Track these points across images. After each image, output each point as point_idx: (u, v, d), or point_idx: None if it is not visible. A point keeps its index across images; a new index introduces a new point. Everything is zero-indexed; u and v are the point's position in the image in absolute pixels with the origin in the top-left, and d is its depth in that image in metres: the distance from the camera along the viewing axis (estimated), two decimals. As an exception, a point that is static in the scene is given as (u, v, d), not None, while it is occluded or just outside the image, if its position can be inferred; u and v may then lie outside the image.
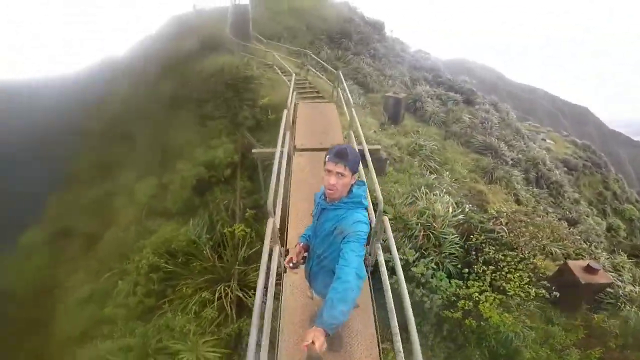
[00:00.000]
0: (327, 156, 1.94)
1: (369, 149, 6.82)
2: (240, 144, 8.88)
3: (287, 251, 3.87)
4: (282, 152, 4.84)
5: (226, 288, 4.65)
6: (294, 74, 8.79)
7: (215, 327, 4.06)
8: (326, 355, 1.50)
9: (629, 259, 6.87)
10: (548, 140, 19.74)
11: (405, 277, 4.25)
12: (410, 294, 4.14)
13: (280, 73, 10.84)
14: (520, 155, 12.33)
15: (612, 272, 5.30)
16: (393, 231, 5.28)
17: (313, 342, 1.47)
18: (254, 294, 4.61)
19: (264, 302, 2.31)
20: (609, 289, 4.57)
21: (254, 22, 17.39)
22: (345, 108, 7.49)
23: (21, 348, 6.94)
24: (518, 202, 8.82)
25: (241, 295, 4.61)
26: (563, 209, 10.31)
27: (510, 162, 11.29)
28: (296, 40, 17.37)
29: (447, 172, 8.62)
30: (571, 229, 7.06)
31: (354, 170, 1.95)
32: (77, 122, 23.18)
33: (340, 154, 1.90)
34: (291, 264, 2.36)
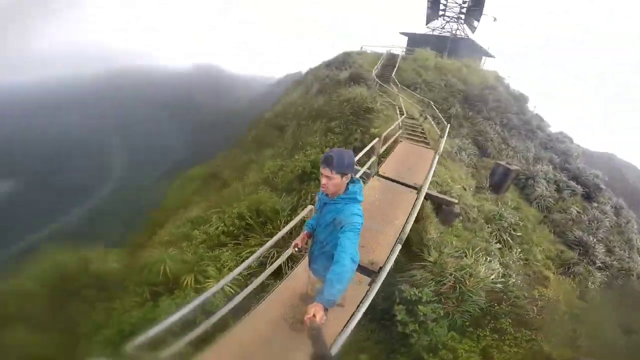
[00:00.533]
0: (320, 161, 2.09)
1: (443, 198, 6.40)
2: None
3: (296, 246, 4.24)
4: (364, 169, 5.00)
5: (276, 253, 5.04)
6: (403, 115, 8.76)
7: (247, 275, 4.46)
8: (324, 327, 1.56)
9: None
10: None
11: (408, 310, 3.94)
12: (404, 324, 3.79)
13: (398, 113, 10.86)
14: (615, 262, 9.36)
15: None
16: (426, 272, 4.89)
17: (314, 315, 1.54)
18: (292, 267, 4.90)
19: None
20: None
21: (399, 70, 17.69)
22: (435, 157, 7.10)
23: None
24: (582, 299, 6.85)
25: (281, 264, 4.91)
26: None
27: (599, 264, 8.72)
28: (431, 93, 16.93)
29: (519, 249, 7.26)
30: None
31: (341, 172, 1.98)
32: (259, 109, 27.76)
33: (326, 160, 2.00)
34: (296, 249, 2.52)
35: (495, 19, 25.65)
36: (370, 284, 3.19)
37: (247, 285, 3.25)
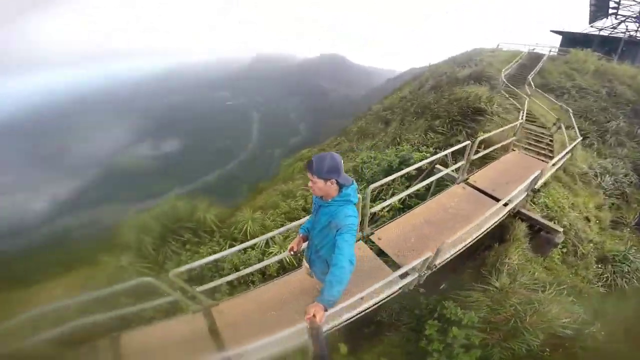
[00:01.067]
0: None
1: (544, 223, 5.37)
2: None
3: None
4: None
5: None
6: (522, 119, 7.40)
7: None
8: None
9: None
10: None
11: (440, 328, 3.60)
12: (430, 341, 3.49)
13: (520, 118, 9.19)
14: None
15: None
16: (485, 297, 4.28)
17: (314, 316, 1.60)
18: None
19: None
20: None
21: (545, 72, 14.60)
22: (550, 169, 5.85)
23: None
24: None
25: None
26: None
27: None
28: (583, 100, 13.42)
29: None
30: None
31: (322, 177, 1.97)
32: (374, 100, 27.97)
33: (308, 165, 2.01)
34: (292, 252, 2.55)
35: None
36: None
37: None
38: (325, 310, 1.64)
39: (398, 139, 11.42)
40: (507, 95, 11.43)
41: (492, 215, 4.41)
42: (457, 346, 3.18)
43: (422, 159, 8.59)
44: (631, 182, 9.78)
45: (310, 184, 2.06)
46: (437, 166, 7.15)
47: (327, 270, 2.02)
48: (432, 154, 8.78)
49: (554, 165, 6.49)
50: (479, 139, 5.92)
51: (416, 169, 8.46)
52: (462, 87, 11.84)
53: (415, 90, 17.82)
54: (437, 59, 27.28)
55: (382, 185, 8.12)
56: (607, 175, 9.27)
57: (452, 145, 9.04)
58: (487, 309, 3.91)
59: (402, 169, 8.51)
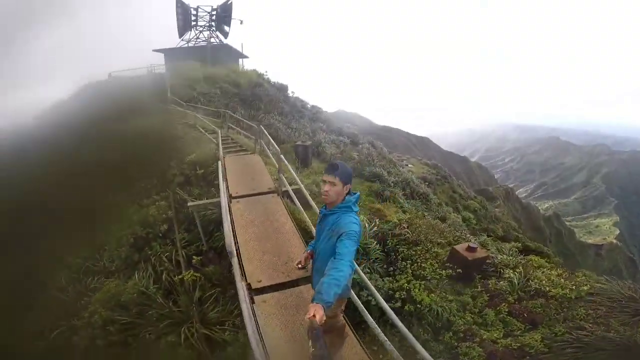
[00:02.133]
0: (325, 169, 2.14)
1: (294, 189, 7.02)
2: (172, 200, 8.11)
3: (249, 285, 3.68)
4: (221, 197, 4.71)
5: (190, 329, 4.09)
6: (219, 130, 8.64)
7: None
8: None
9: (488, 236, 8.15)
10: (409, 165, 22.84)
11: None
12: (358, 296, 4.28)
13: (203, 131, 10.48)
14: (397, 178, 13.99)
15: (483, 247, 6.20)
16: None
17: (314, 315, 1.52)
18: (220, 329, 4.18)
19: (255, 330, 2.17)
20: (488, 261, 5.33)
21: (171, 88, 16.59)
22: (271, 157, 7.61)
23: None
24: (404, 212, 9.93)
25: (208, 332, 4.11)
26: (433, 211, 11.93)
27: (392, 184, 12.70)
28: (212, 103, 17.07)
29: (353, 198, 9.30)
30: (443, 225, 8.26)
31: (344, 181, 2.09)
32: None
33: (332, 167, 2.09)
34: (299, 266, 2.49)
35: (241, 22, 28.28)
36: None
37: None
38: (324, 310, 1.65)
39: (97, 212, 9.06)
40: (170, 117, 12.10)
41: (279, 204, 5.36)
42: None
43: (160, 210, 7.80)
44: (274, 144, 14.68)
45: (326, 187, 2.10)
46: (191, 203, 6.88)
47: None
48: (165, 199, 8.13)
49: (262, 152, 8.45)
50: (221, 156, 6.41)
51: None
52: (126, 124, 10.98)
53: (56, 153, 13.83)
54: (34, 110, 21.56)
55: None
56: (270, 146, 13.26)
57: (171, 181, 8.83)
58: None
59: (151, 231, 7.35)
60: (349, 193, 2.19)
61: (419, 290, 4.05)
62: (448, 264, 4.71)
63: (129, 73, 21.72)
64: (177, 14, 26.65)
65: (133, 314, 4.52)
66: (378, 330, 2.35)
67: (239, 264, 4.11)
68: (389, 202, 10.70)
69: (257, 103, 19.07)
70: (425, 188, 14.75)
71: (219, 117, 13.29)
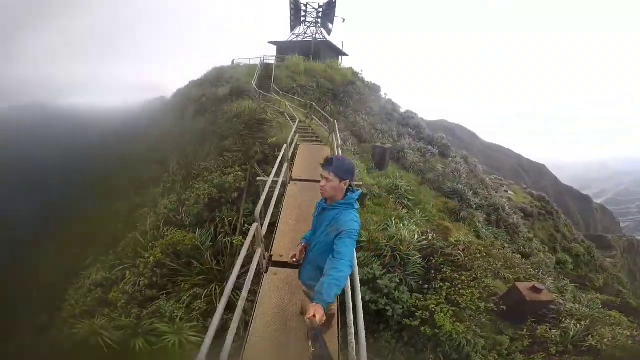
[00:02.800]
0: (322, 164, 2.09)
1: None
2: (249, 173, 9.03)
3: (270, 256, 3.87)
4: (280, 177, 5.03)
5: (218, 288, 4.56)
6: (297, 120, 9.15)
7: (202, 318, 3.92)
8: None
9: (574, 285, 6.68)
10: (510, 192, 19.78)
11: (372, 288, 4.23)
12: (375, 302, 4.06)
13: (289, 119, 11.26)
14: (483, 201, 12.34)
15: (556, 293, 5.16)
16: (366, 251, 5.32)
17: (314, 316, 1.51)
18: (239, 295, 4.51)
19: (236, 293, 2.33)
20: (552, 306, 4.43)
21: (275, 78, 18.33)
22: (336, 150, 7.73)
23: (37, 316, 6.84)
24: (478, 237, 8.76)
25: (231, 295, 4.51)
26: (518, 245, 10.21)
27: (474, 206, 11.28)
28: (307, 95, 18.12)
29: (419, 210, 8.64)
30: (524, 260, 7.01)
31: (340, 177, 2.01)
32: (121, 147, 23.80)
33: (327, 162, 2.04)
34: (294, 260, 2.42)
35: (344, 20, 29.39)
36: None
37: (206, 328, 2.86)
38: (324, 310, 1.61)
39: (194, 171, 10.75)
40: (266, 103, 13.42)
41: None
42: (393, 291, 3.85)
43: (237, 180, 8.79)
44: (356, 142, 14.69)
45: (322, 182, 2.05)
46: (260, 178, 7.52)
47: (316, 275, 1.96)
48: (243, 172, 9.14)
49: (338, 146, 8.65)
50: (289, 141, 6.81)
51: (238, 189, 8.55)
52: (230, 105, 12.62)
53: (179, 120, 17.02)
54: (179, 85, 26.98)
55: (213, 221, 7.68)
56: (348, 142, 13.40)
57: (252, 157, 9.84)
58: (375, 259, 4.90)
59: (224, 196, 8.37)
60: (350, 189, 2.11)
61: (444, 315, 3.56)
62: (494, 298, 3.99)
63: (246, 61, 25.11)
64: (290, 9, 28.85)
65: (182, 263, 5.26)
66: (351, 329, 2.20)
67: (272, 237, 4.40)
68: (463, 223, 9.56)
69: (347, 100, 19.38)
70: (517, 219, 12.64)
71: (310, 109, 14.07)
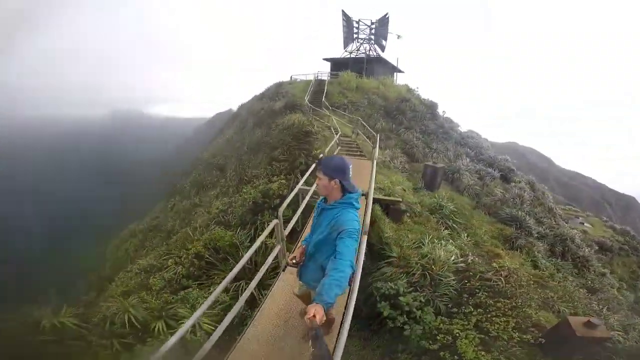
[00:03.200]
0: None
1: (389, 200, 6.88)
2: (292, 182, 9.42)
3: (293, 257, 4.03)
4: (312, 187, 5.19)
5: (246, 285, 4.79)
6: (338, 133, 9.34)
7: (222, 311, 4.15)
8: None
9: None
10: (586, 224, 17.13)
11: (392, 305, 4.06)
12: (393, 319, 3.88)
13: (334, 133, 11.53)
14: (548, 231, 10.92)
15: (619, 331, 4.31)
16: (395, 267, 5.12)
17: (314, 316, 1.53)
18: (263, 293, 4.68)
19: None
20: (608, 344, 3.73)
21: (327, 93, 18.95)
22: (373, 164, 7.67)
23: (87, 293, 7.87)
24: (535, 267, 7.79)
25: (255, 293, 4.69)
26: (586, 279, 8.81)
27: (536, 234, 10.06)
28: (357, 112, 18.28)
29: (466, 234, 8.03)
30: (589, 295, 6.06)
31: (329, 175, 2.03)
32: (192, 153, 26.63)
33: (318, 162, 2.11)
34: (294, 261, 2.44)
35: (399, 37, 29.33)
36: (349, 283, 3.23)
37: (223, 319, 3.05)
38: (325, 310, 1.58)
39: (246, 177, 11.53)
40: (316, 118, 13.94)
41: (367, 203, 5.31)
42: (415, 310, 3.63)
43: (280, 187, 9.23)
44: (406, 161, 14.27)
45: (317, 181, 2.12)
46: (302, 187, 7.77)
47: (319, 276, 1.93)
48: (287, 180, 9.57)
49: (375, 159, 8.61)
50: (326, 153, 6.99)
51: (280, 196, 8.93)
52: (283, 117, 13.38)
53: (240, 130, 18.51)
54: (245, 99, 29.59)
55: (254, 224, 8.11)
56: (395, 160, 13.13)
57: (297, 168, 10.25)
58: (403, 275, 4.67)
59: (267, 202, 8.83)
60: (346, 189, 2.08)
61: (468, 341, 3.23)
62: (534, 330, 3.51)
63: (302, 77, 26.57)
64: (343, 26, 29.54)
65: (219, 258, 5.65)
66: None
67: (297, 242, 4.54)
68: (520, 252, 8.58)
69: (400, 117, 19.02)
70: (588, 252, 10.91)
71: (357, 124, 14.22)
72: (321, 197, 2.26)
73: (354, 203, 2.08)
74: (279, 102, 17.57)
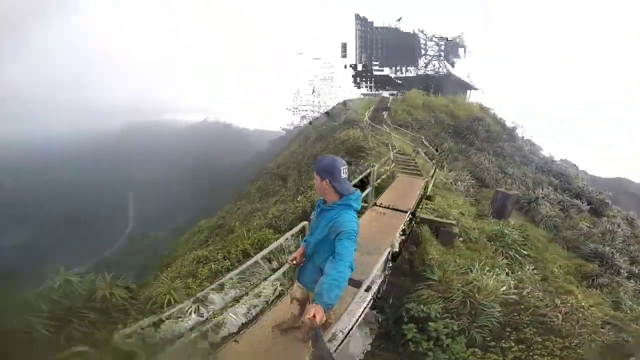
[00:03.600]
0: None
1: (439, 221, 6.54)
2: (340, 194, 9.59)
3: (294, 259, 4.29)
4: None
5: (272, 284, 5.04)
6: (394, 150, 9.20)
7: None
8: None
9: None
10: None
11: (419, 328, 3.83)
12: (416, 342, 3.65)
13: (391, 150, 11.35)
14: (642, 271, 8.86)
15: None
16: (433, 290, 4.80)
17: (314, 316, 1.55)
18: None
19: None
20: None
21: (391, 111, 18.78)
22: (430, 182, 7.36)
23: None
24: (617, 309, 6.39)
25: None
26: None
27: (625, 274, 8.29)
28: (422, 130, 17.60)
29: (532, 266, 7.03)
30: None
31: (320, 175, 2.03)
32: (264, 161, 29.00)
33: (314, 163, 2.13)
34: (294, 262, 2.43)
35: (468, 52, 27.79)
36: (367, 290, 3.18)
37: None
38: (324, 311, 1.58)
39: (302, 188, 12.07)
40: (373, 134, 13.96)
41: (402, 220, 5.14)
42: (444, 337, 3.38)
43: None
44: (474, 185, 13.16)
45: (315, 181, 2.13)
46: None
47: (317, 278, 1.91)
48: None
49: (431, 178, 8.25)
50: (375, 167, 6.97)
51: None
52: (340, 132, 13.76)
53: (303, 143, 19.53)
54: (317, 114, 31.43)
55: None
56: (459, 182, 12.25)
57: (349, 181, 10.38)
58: (440, 300, 4.35)
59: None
60: (339, 190, 2.05)
61: (496, 380, 2.86)
62: None
63: (365, 91, 27.21)
64: (357, 30, 29.25)
65: (262, 257, 6.02)
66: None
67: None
68: (600, 291, 7.16)
69: (471, 137, 17.69)
70: None
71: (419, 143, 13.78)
72: (320, 198, 2.23)
73: (353, 204, 2.06)
74: (340, 118, 18.11)
